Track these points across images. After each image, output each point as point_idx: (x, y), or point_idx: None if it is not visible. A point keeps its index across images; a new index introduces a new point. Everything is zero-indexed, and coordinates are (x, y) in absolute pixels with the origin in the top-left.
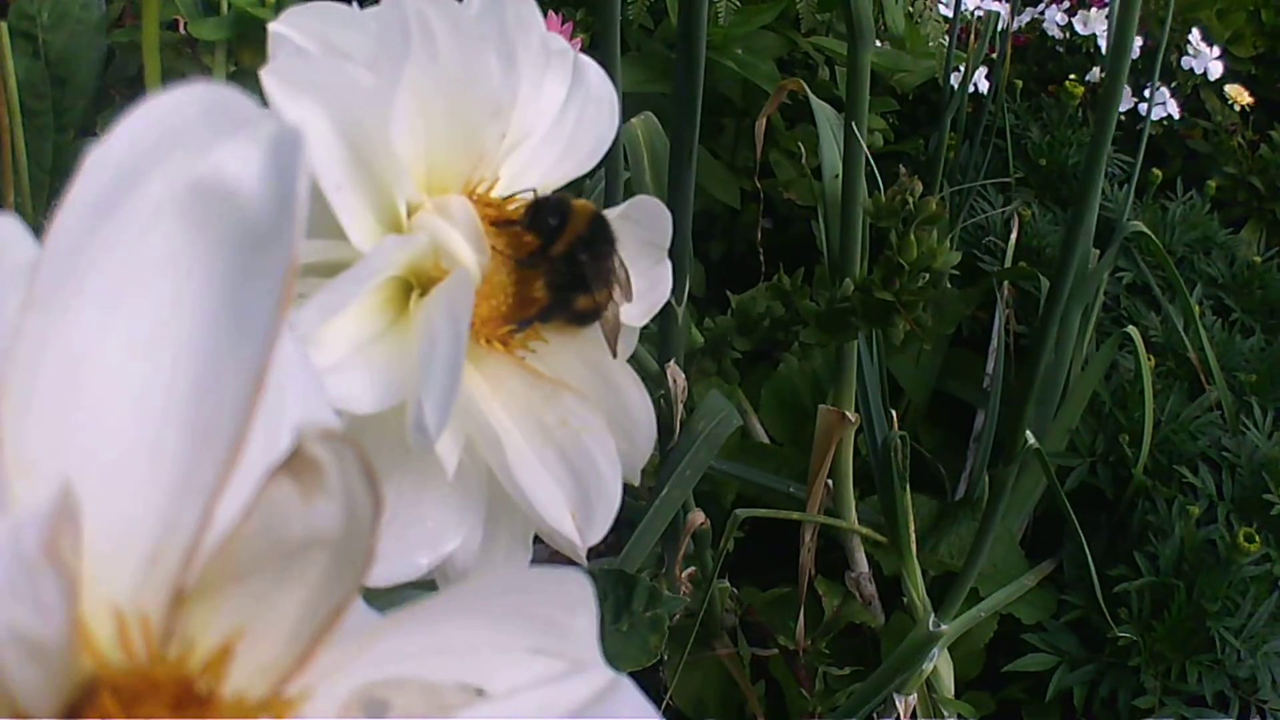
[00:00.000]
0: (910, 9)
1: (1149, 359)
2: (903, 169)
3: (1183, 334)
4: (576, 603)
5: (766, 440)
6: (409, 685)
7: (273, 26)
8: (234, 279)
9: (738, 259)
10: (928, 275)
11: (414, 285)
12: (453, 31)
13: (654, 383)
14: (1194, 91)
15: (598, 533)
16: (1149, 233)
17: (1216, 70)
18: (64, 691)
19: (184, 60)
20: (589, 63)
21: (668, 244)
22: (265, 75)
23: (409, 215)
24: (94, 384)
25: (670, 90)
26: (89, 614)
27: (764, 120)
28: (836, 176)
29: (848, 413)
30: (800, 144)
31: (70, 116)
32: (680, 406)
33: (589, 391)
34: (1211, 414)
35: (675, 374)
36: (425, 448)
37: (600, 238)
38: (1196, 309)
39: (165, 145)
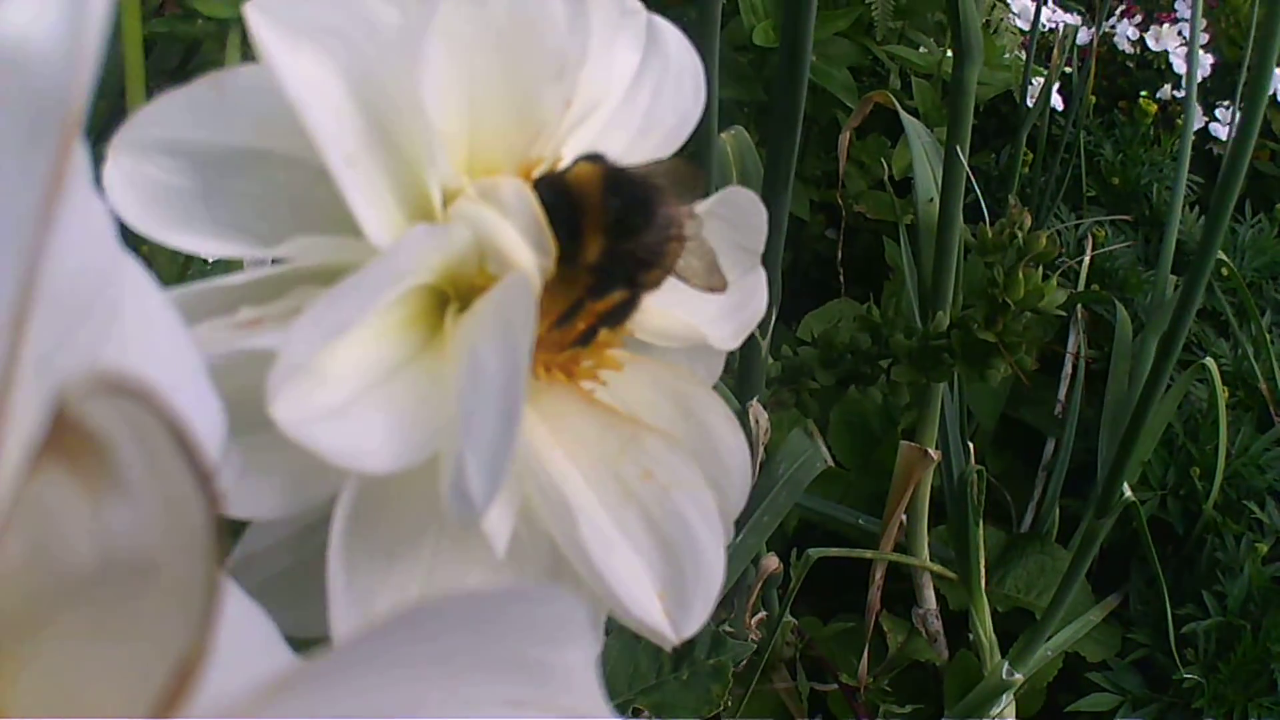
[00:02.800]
0: (989, 18)
1: (1224, 390)
2: (1012, 200)
3: (1253, 362)
4: (566, 632)
5: (832, 464)
6: None
7: (248, 11)
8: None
9: (803, 270)
10: (1031, 314)
11: (451, 297)
12: None
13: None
14: (1244, 105)
15: (695, 620)
16: (1226, 259)
17: None
18: None
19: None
20: (666, 26)
21: (762, 247)
22: (250, 11)
23: (445, 204)
24: None
25: (745, 96)
26: None
27: (848, 134)
28: (931, 201)
29: (930, 450)
30: (881, 158)
31: (89, 119)
32: (761, 448)
33: (673, 432)
34: None
35: (758, 413)
36: (467, 523)
37: (632, 202)
38: (1267, 336)
39: None
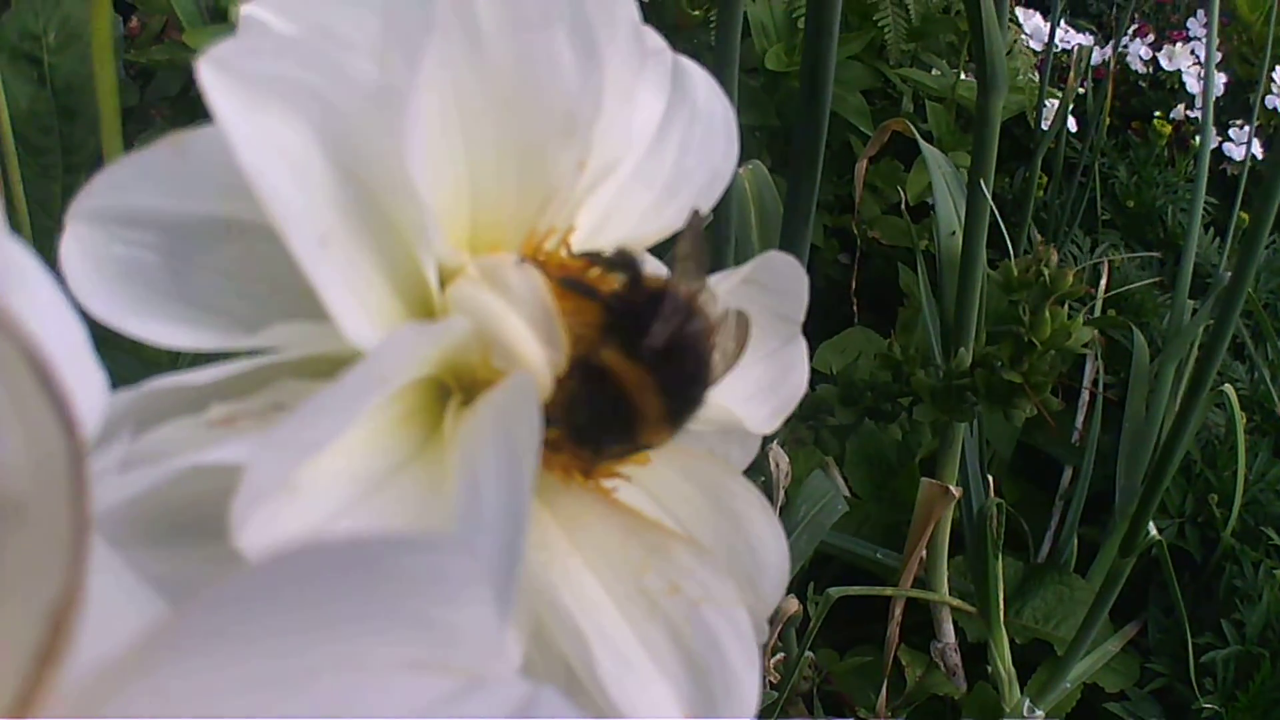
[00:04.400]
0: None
1: (1242, 416)
2: (1038, 237)
3: (1270, 386)
4: (468, 590)
5: (849, 494)
6: None
7: (245, 7)
8: None
9: (816, 296)
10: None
11: (453, 388)
12: (501, 7)
13: (753, 464)
14: (1276, 130)
15: None
16: None
17: None
18: None
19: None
20: (693, 69)
21: (802, 315)
22: (203, 66)
23: (444, 284)
24: None
25: (758, 122)
26: None
27: (864, 162)
28: (954, 234)
29: (951, 486)
30: (895, 183)
31: (82, 155)
32: (782, 491)
33: (705, 529)
34: None
35: (778, 456)
36: None
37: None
38: None
39: None
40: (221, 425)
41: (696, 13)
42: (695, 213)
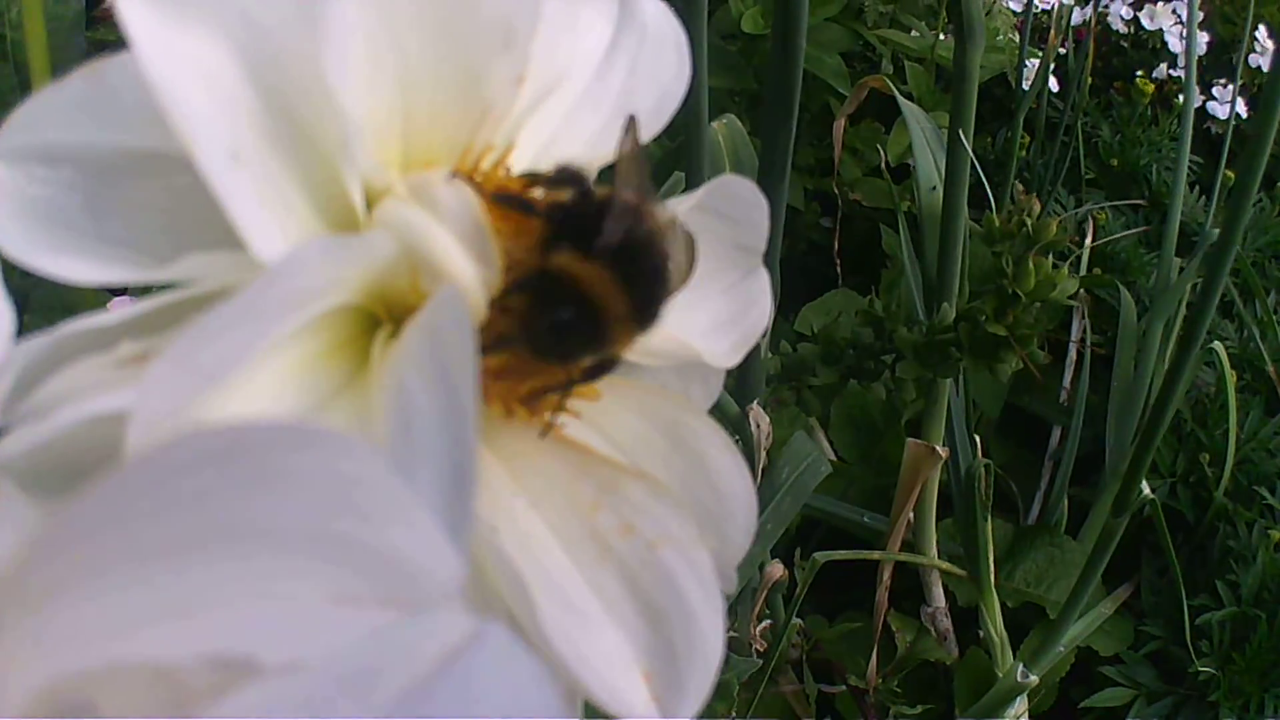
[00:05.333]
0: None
1: (1232, 374)
2: (1019, 186)
3: (1260, 344)
4: (393, 505)
5: (834, 457)
6: (128, 673)
7: None
8: None
9: (798, 260)
10: (1042, 305)
11: (383, 318)
12: None
13: (732, 426)
14: (1259, 90)
15: (690, 702)
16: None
17: None
18: None
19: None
20: None
21: (763, 244)
22: None
23: (370, 207)
24: None
25: (735, 85)
26: None
27: (842, 121)
28: (934, 189)
29: (937, 446)
30: (876, 144)
31: None
32: (763, 453)
33: (663, 469)
34: None
35: (759, 416)
36: None
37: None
38: (1273, 317)
39: None
40: (134, 364)
41: None
42: (631, 118)
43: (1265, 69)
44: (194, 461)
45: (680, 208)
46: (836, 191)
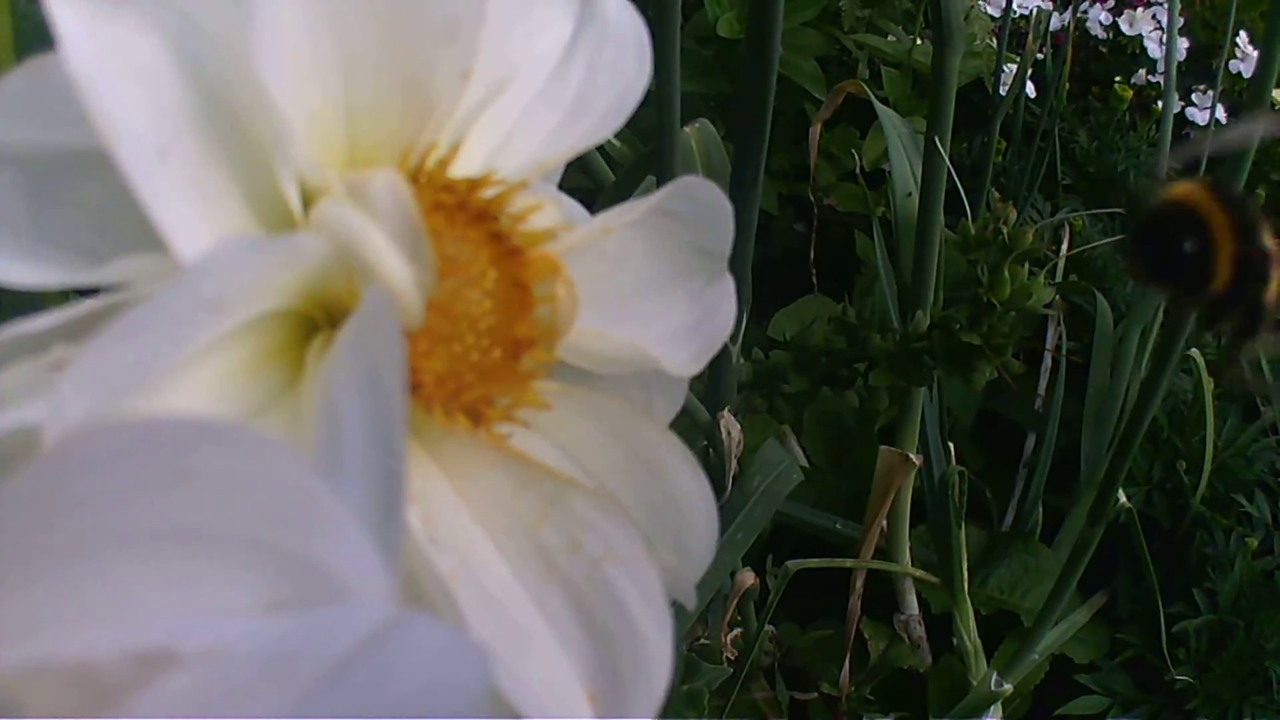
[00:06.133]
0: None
1: (1209, 381)
2: (995, 194)
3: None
4: (319, 514)
5: (806, 464)
6: (50, 672)
7: None
8: None
9: (773, 266)
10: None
11: (320, 324)
12: None
13: (702, 433)
14: (1240, 96)
15: None
16: None
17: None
18: None
19: None
20: None
21: (728, 249)
22: None
23: (306, 207)
24: None
25: (710, 91)
26: None
27: (818, 126)
28: (910, 195)
29: (910, 454)
30: (851, 149)
31: None
32: (734, 460)
33: (621, 480)
34: (1268, 438)
35: (729, 424)
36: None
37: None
38: None
39: None
40: (61, 370)
41: None
42: None
43: (1246, 75)
44: (111, 456)
45: (639, 210)
46: (811, 197)
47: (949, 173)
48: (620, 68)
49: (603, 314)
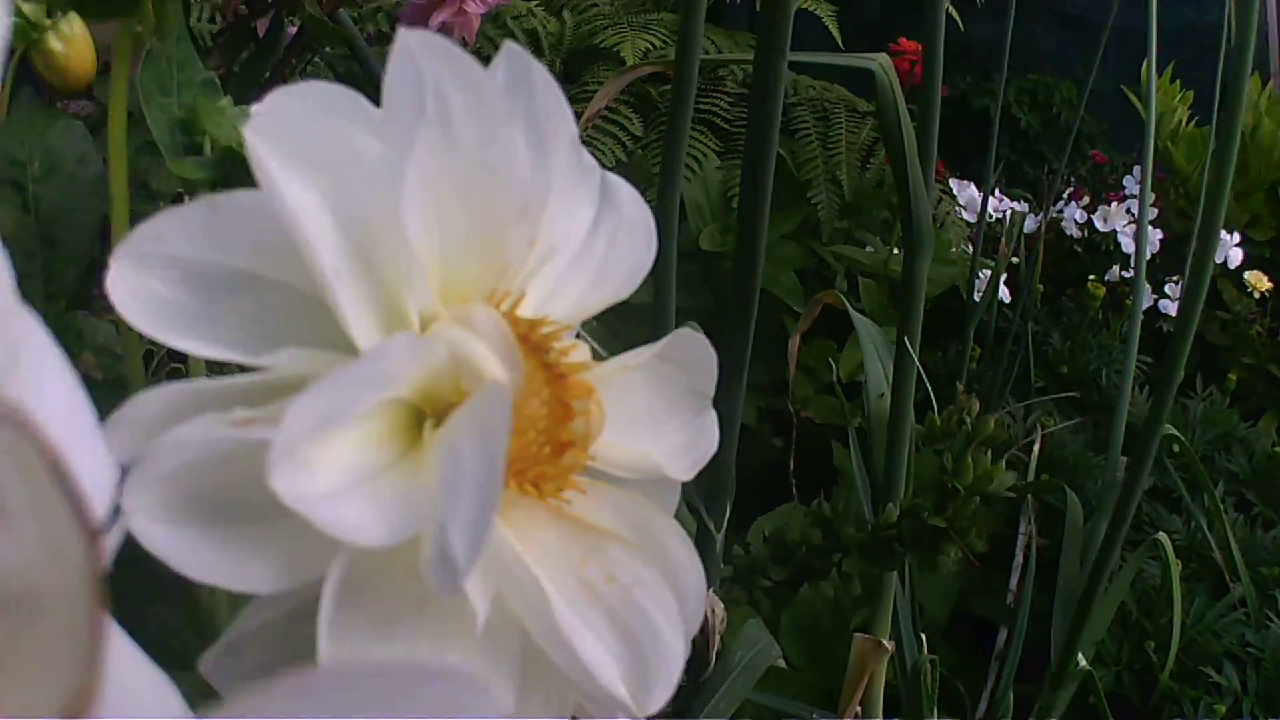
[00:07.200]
0: (934, 211)
1: (1177, 563)
2: (960, 387)
3: (1207, 533)
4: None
5: (784, 665)
6: None
7: (248, 133)
8: None
9: (750, 477)
10: (980, 499)
11: (427, 414)
12: (474, 105)
13: None
14: (1211, 282)
15: (657, 700)
16: (1179, 435)
17: (1237, 258)
18: None
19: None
20: (620, 182)
21: (713, 390)
22: (250, 135)
23: (422, 329)
24: None
25: (694, 304)
26: None
27: (797, 338)
28: (882, 396)
29: (883, 640)
30: (829, 358)
31: (60, 284)
32: (718, 637)
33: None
34: (1236, 612)
35: (713, 603)
36: (449, 588)
37: None
38: (1220, 506)
39: None
40: (242, 425)
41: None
42: None
43: (1218, 261)
44: (359, 681)
45: (646, 354)
46: (790, 409)
47: (923, 380)
48: (633, 248)
49: (619, 431)
